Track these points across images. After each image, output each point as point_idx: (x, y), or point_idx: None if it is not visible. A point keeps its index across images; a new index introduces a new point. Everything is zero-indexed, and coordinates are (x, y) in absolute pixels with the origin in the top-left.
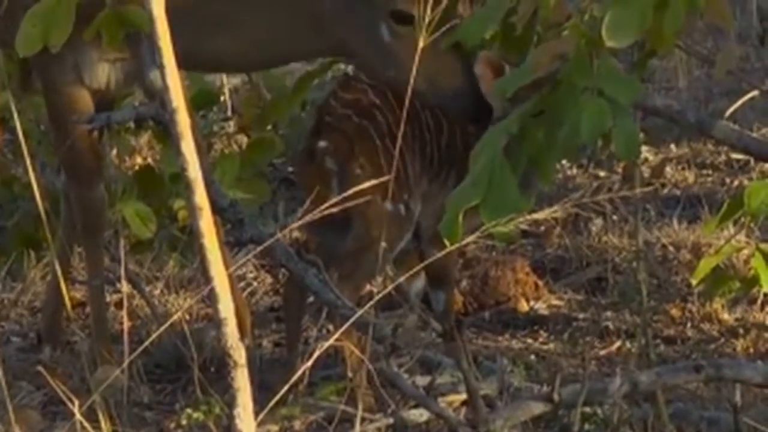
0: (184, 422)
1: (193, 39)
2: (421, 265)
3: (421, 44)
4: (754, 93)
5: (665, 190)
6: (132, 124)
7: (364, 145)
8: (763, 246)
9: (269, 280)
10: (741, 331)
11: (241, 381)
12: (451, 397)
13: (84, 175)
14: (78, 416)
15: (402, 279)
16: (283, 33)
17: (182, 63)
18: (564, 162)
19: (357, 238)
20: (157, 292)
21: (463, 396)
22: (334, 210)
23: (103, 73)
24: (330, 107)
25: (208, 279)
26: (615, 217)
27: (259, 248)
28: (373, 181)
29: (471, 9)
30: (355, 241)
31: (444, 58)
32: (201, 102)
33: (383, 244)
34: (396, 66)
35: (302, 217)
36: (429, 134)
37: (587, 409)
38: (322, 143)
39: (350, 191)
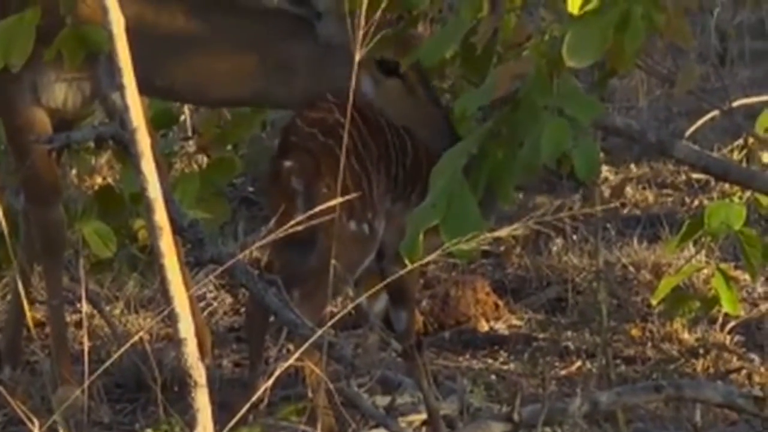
0: None
1: (149, 64)
2: (383, 283)
3: (357, 58)
4: (714, 113)
5: (625, 210)
6: (92, 144)
7: (329, 164)
8: (723, 266)
9: (229, 300)
10: (701, 351)
11: (202, 401)
12: (412, 417)
13: (42, 196)
14: None
15: (362, 299)
16: (244, 75)
17: (139, 87)
18: None
19: (320, 257)
20: (117, 311)
21: (424, 416)
22: (298, 229)
23: (61, 92)
24: (295, 127)
25: (168, 299)
26: (575, 237)
27: (220, 268)
28: (338, 200)
29: (431, 28)
30: (318, 261)
31: (422, 106)
32: (161, 122)
33: (345, 264)
34: None
35: (264, 236)
36: (394, 153)
37: (547, 429)
38: (287, 163)
39: (315, 210)
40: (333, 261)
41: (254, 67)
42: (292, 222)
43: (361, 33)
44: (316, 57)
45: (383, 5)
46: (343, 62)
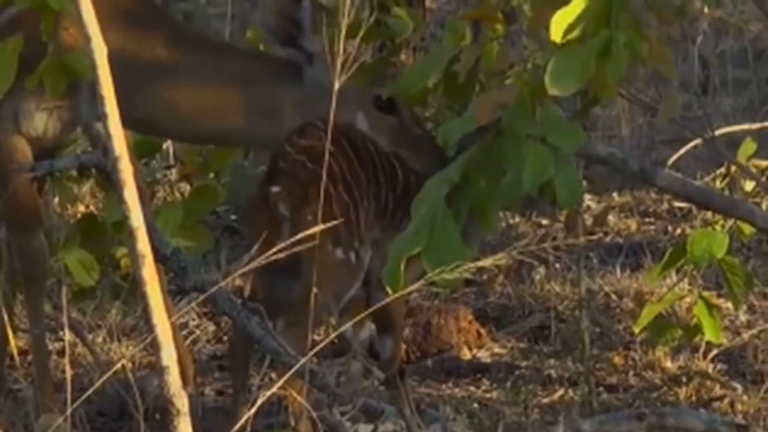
0: None
1: (129, 96)
2: (368, 311)
3: (336, 86)
4: (697, 141)
5: (608, 239)
6: (75, 173)
7: (316, 191)
8: (705, 294)
9: (212, 328)
10: (684, 379)
11: (184, 429)
12: None
13: (24, 225)
14: None
15: (346, 327)
16: (227, 115)
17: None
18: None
19: (305, 285)
20: (99, 340)
21: None
22: (282, 256)
23: (42, 121)
24: (284, 153)
25: (150, 327)
26: (558, 266)
27: (202, 296)
28: (320, 227)
29: (413, 57)
30: (303, 289)
31: (418, 144)
32: (143, 150)
33: (331, 293)
34: None
35: (246, 264)
36: (384, 180)
37: None
38: (275, 188)
39: (299, 236)
40: (315, 290)
41: (238, 107)
42: (275, 249)
43: (339, 61)
44: (304, 100)
45: (362, 32)
46: (341, 106)
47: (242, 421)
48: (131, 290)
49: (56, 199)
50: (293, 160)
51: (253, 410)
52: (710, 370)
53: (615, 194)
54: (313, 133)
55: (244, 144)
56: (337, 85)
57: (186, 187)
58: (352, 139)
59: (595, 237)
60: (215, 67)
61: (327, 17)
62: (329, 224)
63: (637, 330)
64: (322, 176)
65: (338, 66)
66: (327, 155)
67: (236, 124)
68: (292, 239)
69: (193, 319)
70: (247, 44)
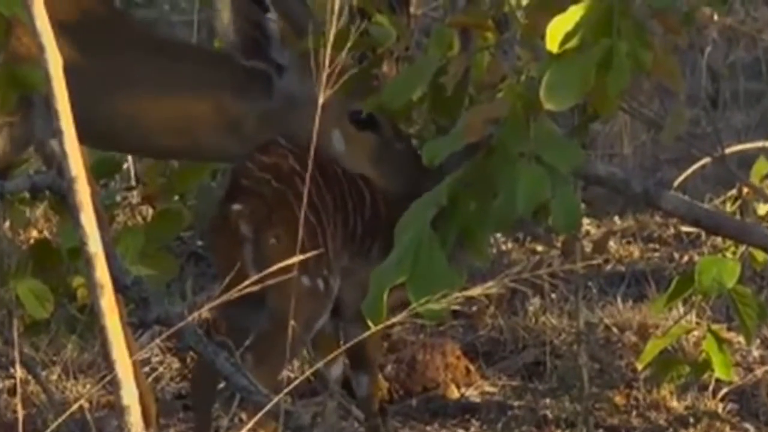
0: None
1: (86, 109)
2: (344, 347)
3: (320, 101)
4: (706, 160)
5: (608, 267)
6: (27, 194)
7: (282, 212)
8: (715, 327)
9: (176, 364)
10: (691, 420)
11: None
12: None
13: None
14: None
15: (322, 363)
16: (190, 127)
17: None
18: (498, 236)
19: (272, 316)
20: (54, 377)
21: None
22: (248, 285)
23: None
24: (247, 170)
25: (109, 363)
26: (554, 296)
27: (167, 331)
28: (294, 259)
29: (396, 68)
30: (270, 320)
31: (399, 161)
32: (102, 170)
33: (300, 323)
34: None
35: (219, 295)
36: (351, 205)
37: None
38: (236, 206)
39: (267, 268)
40: (291, 322)
41: (202, 119)
42: (248, 281)
43: (325, 75)
44: (272, 113)
45: (348, 45)
46: (305, 119)
47: None
48: (89, 323)
49: (7, 224)
50: (256, 178)
51: None
52: (720, 410)
53: (616, 218)
54: (278, 151)
55: (210, 158)
56: (321, 100)
57: (148, 210)
58: (317, 159)
59: (594, 264)
60: (179, 73)
61: (313, 24)
62: (301, 252)
63: (640, 366)
64: (289, 196)
65: (323, 80)
66: (308, 176)
67: (202, 136)
68: (257, 264)
69: (156, 355)
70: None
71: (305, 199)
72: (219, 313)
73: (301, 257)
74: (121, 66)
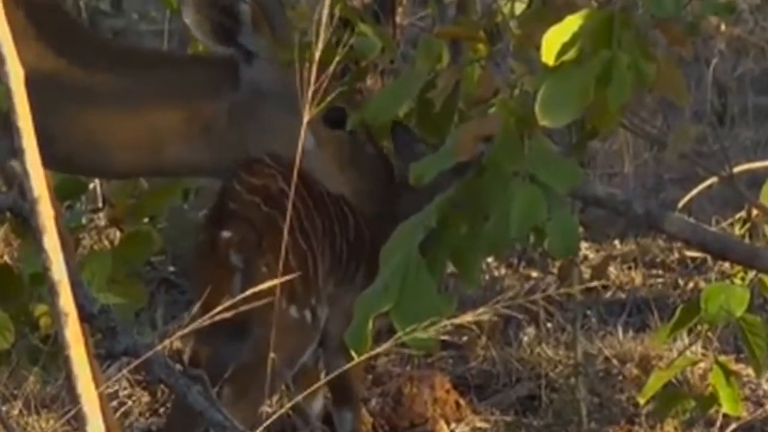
0: None
1: (44, 125)
2: (326, 379)
3: (306, 118)
4: (712, 180)
5: (608, 294)
6: None
7: (272, 238)
8: (722, 359)
9: (146, 398)
10: None
11: None
12: None
13: None
14: None
15: (301, 397)
16: (154, 138)
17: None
18: (490, 260)
19: (255, 348)
20: (15, 412)
21: None
22: (228, 315)
23: None
24: (234, 192)
25: (74, 397)
26: (550, 325)
27: (135, 362)
28: (277, 281)
29: (381, 82)
30: (253, 353)
31: (369, 161)
32: (67, 191)
33: (284, 356)
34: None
35: (188, 323)
36: (338, 228)
37: None
38: (226, 233)
39: (249, 292)
40: (272, 355)
41: (167, 127)
42: (221, 307)
43: (311, 90)
44: (240, 107)
45: (337, 59)
46: (275, 112)
47: None
48: (52, 354)
49: None
50: (245, 202)
51: None
52: None
53: (617, 242)
54: (264, 171)
55: (179, 172)
56: (306, 118)
57: (116, 234)
58: (306, 180)
59: (593, 291)
60: (138, 79)
61: (282, 14)
62: (286, 278)
63: (642, 401)
64: (279, 221)
65: (309, 96)
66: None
67: (169, 146)
68: (241, 295)
69: (125, 388)
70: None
71: (288, 222)
72: (198, 344)
73: (281, 280)
74: (79, 78)
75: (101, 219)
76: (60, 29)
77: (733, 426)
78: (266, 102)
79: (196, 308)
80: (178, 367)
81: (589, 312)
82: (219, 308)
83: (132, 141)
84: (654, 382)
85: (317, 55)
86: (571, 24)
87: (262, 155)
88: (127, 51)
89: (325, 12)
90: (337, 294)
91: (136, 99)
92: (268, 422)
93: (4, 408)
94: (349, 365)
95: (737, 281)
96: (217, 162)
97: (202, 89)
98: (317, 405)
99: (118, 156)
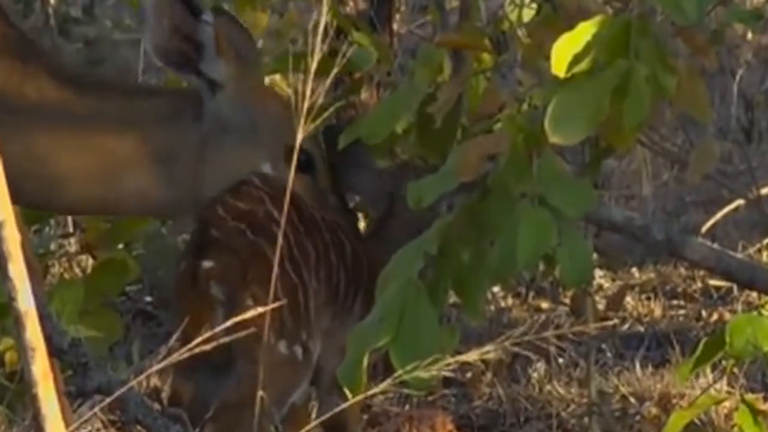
0: None
1: None
2: (318, 420)
3: (300, 136)
4: (738, 203)
5: (625, 326)
6: None
7: (258, 268)
8: (748, 397)
9: None
10: None
11: None
12: None
13: None
14: None
15: None
16: (108, 171)
17: None
18: (496, 290)
19: (240, 386)
20: None
21: None
22: (209, 348)
23: None
24: (218, 218)
25: None
26: (561, 361)
27: (108, 399)
28: (260, 309)
29: (377, 95)
30: (237, 390)
31: (325, 208)
32: (34, 214)
33: (272, 395)
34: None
35: (164, 357)
36: (335, 256)
37: None
38: (207, 263)
39: (230, 322)
40: (261, 393)
41: (122, 158)
42: (198, 339)
43: (305, 107)
44: (204, 141)
45: (336, 71)
46: (242, 148)
47: None
48: (18, 392)
49: None
50: (229, 229)
51: None
52: None
53: (634, 270)
54: (251, 194)
55: (135, 210)
56: (300, 136)
57: (88, 261)
58: (296, 203)
59: (609, 324)
60: (92, 108)
61: (247, 38)
62: (271, 307)
63: None
64: (266, 249)
65: (304, 112)
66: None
67: (124, 182)
68: (223, 327)
69: (98, 429)
70: (164, 77)
71: (279, 251)
72: (179, 381)
73: (265, 309)
74: (29, 102)
75: (72, 245)
76: (11, 48)
77: None
78: (232, 137)
79: (172, 341)
80: (156, 405)
81: (604, 346)
82: (198, 340)
83: (84, 172)
84: (675, 423)
85: (313, 66)
86: (584, 32)
87: (220, 193)
88: (77, 75)
89: (323, 19)
90: (333, 327)
91: (89, 127)
92: None
93: None
94: (343, 405)
95: (765, 312)
96: (176, 198)
97: (163, 120)
98: None
99: (68, 188)
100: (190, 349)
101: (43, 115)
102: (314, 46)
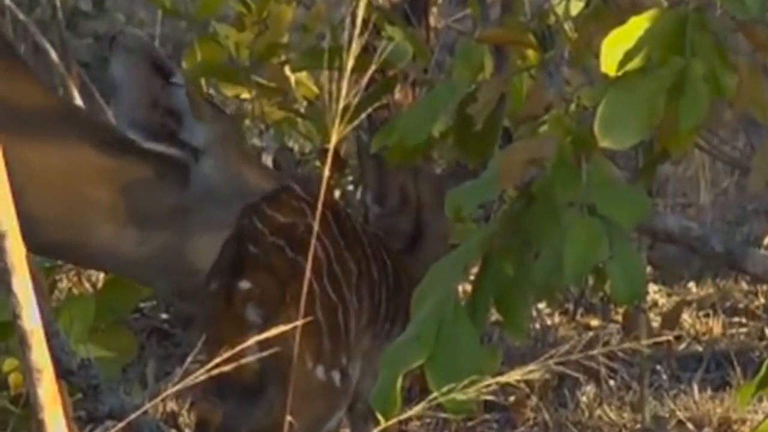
0: None
1: None
2: None
3: (334, 138)
4: None
5: (682, 346)
6: None
7: (297, 290)
8: None
9: None
10: None
11: None
12: None
13: None
14: None
15: None
16: (79, 220)
17: None
18: (541, 306)
19: (271, 413)
20: None
21: None
22: (227, 369)
23: None
24: (256, 232)
25: None
26: (612, 383)
27: (121, 425)
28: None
29: (413, 95)
30: (269, 418)
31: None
32: None
33: (307, 425)
34: None
35: (179, 381)
36: (377, 272)
37: None
38: (244, 284)
39: (261, 337)
40: (289, 418)
41: (98, 208)
42: (217, 359)
43: (341, 106)
44: (188, 207)
45: (372, 69)
46: (226, 212)
47: None
48: (23, 417)
49: None
50: (268, 245)
51: None
52: None
53: (691, 285)
54: (292, 205)
55: (100, 260)
56: (335, 138)
57: (99, 275)
58: (336, 213)
59: (664, 343)
60: (75, 156)
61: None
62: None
63: None
64: (306, 268)
65: (339, 112)
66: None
67: (94, 232)
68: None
69: None
70: (183, 75)
71: (316, 269)
72: (209, 409)
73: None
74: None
75: None
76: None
77: None
78: (217, 203)
79: (188, 362)
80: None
81: (659, 367)
82: (217, 360)
83: (51, 216)
84: None
85: (350, 62)
86: (636, 27)
87: (201, 256)
88: (68, 112)
89: (360, 11)
90: (372, 350)
91: (70, 171)
92: None
93: None
94: (376, 430)
95: None
96: (147, 259)
97: (146, 180)
98: None
99: (34, 227)
100: (208, 371)
101: (22, 156)
102: (351, 41)
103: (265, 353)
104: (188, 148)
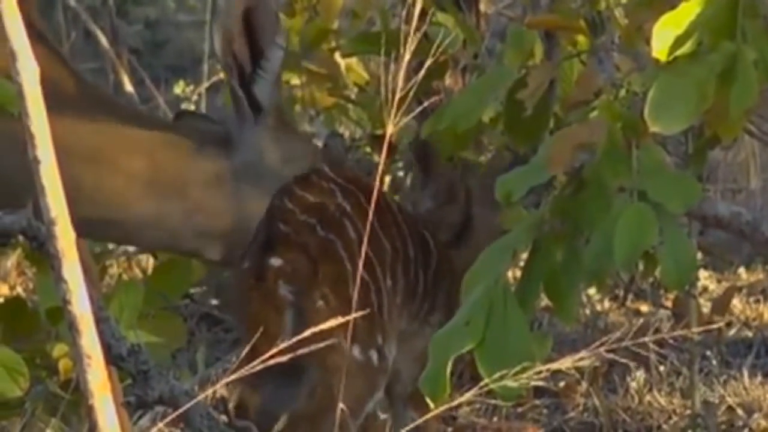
0: None
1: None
2: None
3: (390, 128)
4: None
5: (732, 331)
6: None
7: (329, 267)
8: None
9: None
10: None
11: None
12: None
13: None
14: None
15: None
16: (121, 198)
17: None
18: (591, 292)
19: (312, 395)
20: None
21: None
22: (282, 358)
23: None
24: (286, 212)
25: None
26: (662, 369)
27: (173, 414)
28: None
29: (463, 80)
30: (310, 400)
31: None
32: None
33: (348, 404)
34: None
35: (235, 369)
36: (414, 253)
37: None
38: (275, 261)
39: (308, 333)
40: (333, 401)
41: (134, 181)
42: (275, 350)
43: (398, 97)
44: (237, 171)
45: (431, 58)
46: (275, 179)
47: None
48: (73, 403)
49: None
50: (299, 223)
51: None
52: None
53: (741, 270)
54: (322, 185)
55: (140, 236)
56: (390, 128)
57: (149, 261)
58: (369, 192)
59: (714, 329)
60: (114, 134)
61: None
62: (344, 318)
63: None
64: (338, 246)
65: (394, 104)
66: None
67: (135, 202)
68: (296, 337)
69: None
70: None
71: (351, 248)
72: (247, 392)
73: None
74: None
75: None
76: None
77: None
78: (265, 174)
79: (245, 352)
80: (223, 418)
81: (709, 353)
82: (272, 351)
83: (99, 194)
84: None
85: (409, 50)
86: (687, 12)
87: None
88: (105, 102)
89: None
90: (409, 331)
91: (108, 151)
92: None
93: None
94: (425, 417)
95: None
96: (196, 228)
97: (182, 153)
98: None
99: (85, 208)
100: (264, 361)
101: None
102: (411, 29)
103: (299, 336)
104: (254, 102)
